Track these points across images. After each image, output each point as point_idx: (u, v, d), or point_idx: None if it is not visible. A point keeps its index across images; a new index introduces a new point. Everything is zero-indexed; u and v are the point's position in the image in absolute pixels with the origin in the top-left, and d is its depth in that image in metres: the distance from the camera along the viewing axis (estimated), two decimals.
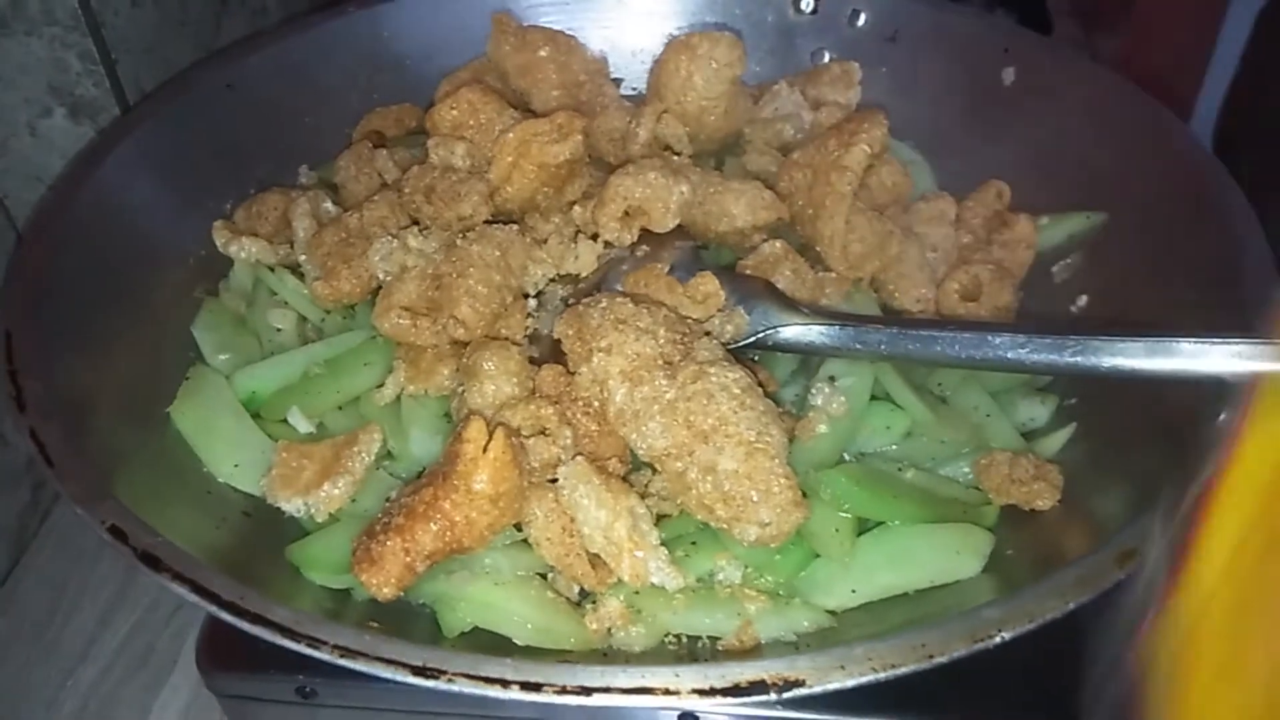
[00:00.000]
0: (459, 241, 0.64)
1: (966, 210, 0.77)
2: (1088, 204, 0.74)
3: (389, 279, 0.65)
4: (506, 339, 0.62)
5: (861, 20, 0.87)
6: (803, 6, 0.88)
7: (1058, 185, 0.76)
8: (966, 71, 0.82)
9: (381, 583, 0.50)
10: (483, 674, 0.40)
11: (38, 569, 0.87)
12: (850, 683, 0.40)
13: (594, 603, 0.55)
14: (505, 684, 0.40)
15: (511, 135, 0.67)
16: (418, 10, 0.87)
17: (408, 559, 0.50)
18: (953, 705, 0.57)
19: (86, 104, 0.81)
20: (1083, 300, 0.72)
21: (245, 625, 0.43)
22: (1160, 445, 0.54)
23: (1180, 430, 0.52)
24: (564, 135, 0.67)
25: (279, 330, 0.69)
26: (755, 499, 0.53)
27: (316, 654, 0.42)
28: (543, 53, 0.83)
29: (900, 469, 0.61)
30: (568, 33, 0.86)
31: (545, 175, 0.68)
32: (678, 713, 0.57)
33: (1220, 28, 1.07)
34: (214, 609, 0.44)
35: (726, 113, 0.78)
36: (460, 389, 0.60)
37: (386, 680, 0.59)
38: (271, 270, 0.72)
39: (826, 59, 0.88)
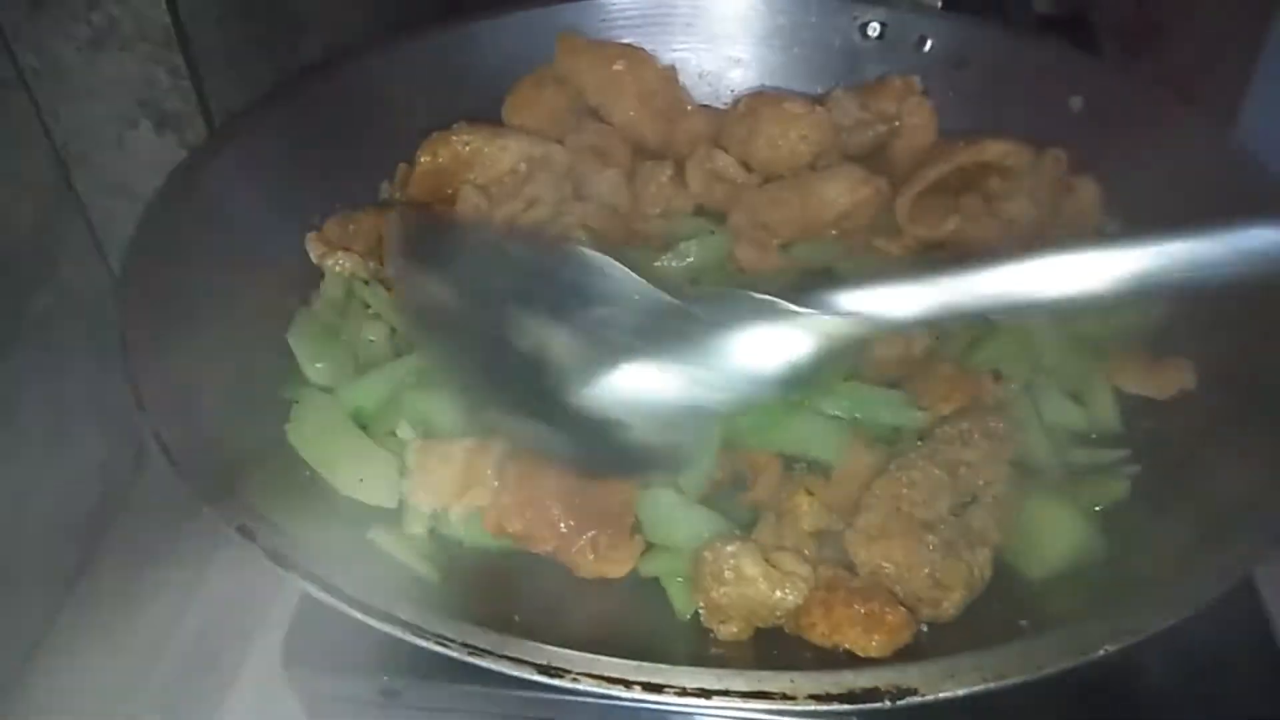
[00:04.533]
0: None
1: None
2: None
3: None
4: None
5: (928, 46, 0.89)
6: (869, 32, 0.90)
7: (1123, 207, 0.79)
8: (1033, 99, 0.83)
9: None
10: (606, 674, 0.42)
11: (106, 572, 0.88)
12: (961, 692, 0.42)
13: None
14: (628, 684, 0.41)
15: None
16: (490, 30, 0.90)
17: None
18: None
19: (172, 117, 0.83)
20: None
21: (373, 622, 0.45)
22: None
23: None
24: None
25: (372, 341, 0.71)
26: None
27: (446, 651, 0.43)
28: (618, 66, 0.87)
29: None
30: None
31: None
32: None
33: (1260, 57, 1.08)
34: (342, 605, 0.45)
35: None
36: None
37: (467, 682, 0.62)
38: (365, 283, 0.74)
39: None
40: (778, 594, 0.55)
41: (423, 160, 0.80)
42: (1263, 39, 0.92)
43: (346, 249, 0.75)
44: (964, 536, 0.59)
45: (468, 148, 0.79)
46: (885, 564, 0.57)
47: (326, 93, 0.83)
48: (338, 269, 0.74)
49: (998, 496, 0.62)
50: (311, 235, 0.76)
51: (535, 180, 0.77)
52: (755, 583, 0.54)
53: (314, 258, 0.75)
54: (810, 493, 0.60)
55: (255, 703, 0.80)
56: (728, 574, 0.55)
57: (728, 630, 0.56)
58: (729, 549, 0.56)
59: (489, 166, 0.79)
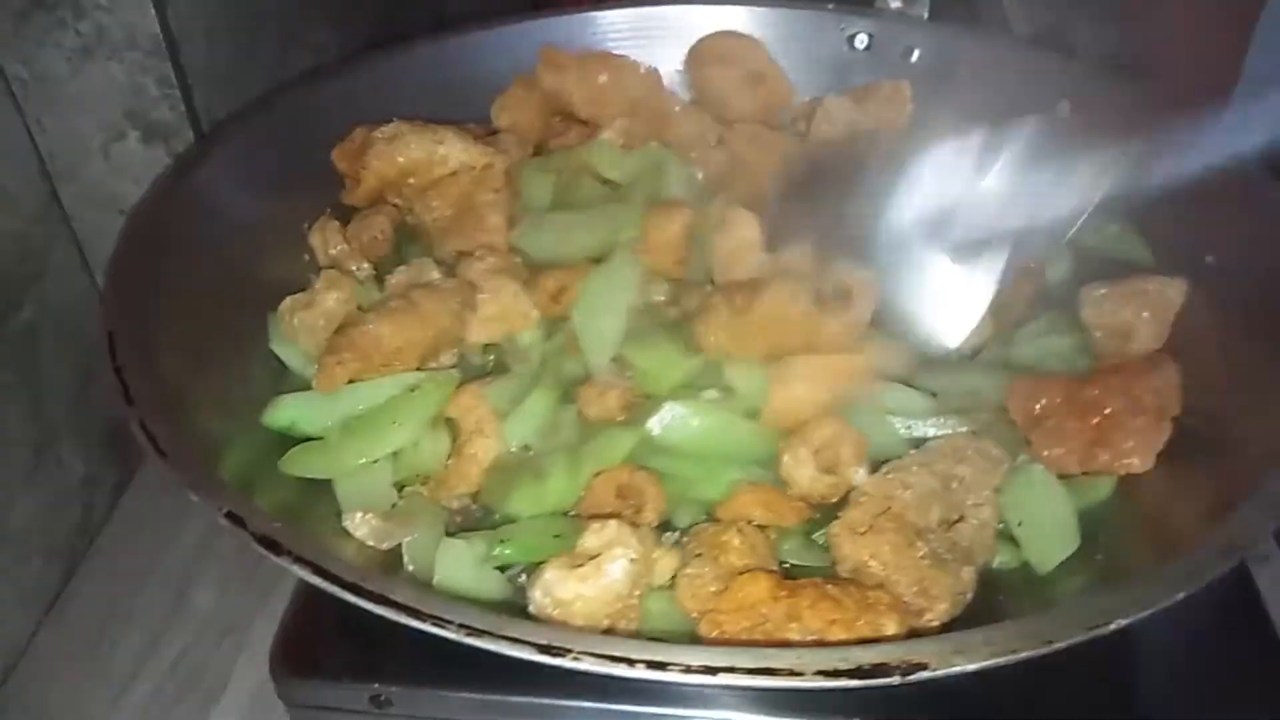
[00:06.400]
0: None
1: None
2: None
3: None
4: None
5: (915, 56, 0.89)
6: (856, 44, 0.91)
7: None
8: (1022, 105, 0.84)
9: None
10: (608, 652, 0.41)
11: (87, 590, 0.87)
12: (971, 667, 0.41)
13: None
14: (631, 663, 0.40)
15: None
16: (480, 43, 0.91)
17: None
18: None
19: (160, 128, 0.83)
20: None
21: (368, 605, 0.43)
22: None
23: None
24: None
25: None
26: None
27: (442, 632, 0.42)
28: (603, 78, 0.87)
29: None
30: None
31: None
32: None
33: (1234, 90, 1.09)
34: (336, 590, 0.44)
35: None
36: None
37: (461, 688, 0.60)
38: (361, 284, 0.74)
39: None
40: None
41: (364, 175, 0.79)
42: (1237, 70, 0.94)
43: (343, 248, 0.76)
44: (951, 551, 0.58)
45: (402, 159, 0.78)
46: (872, 561, 0.56)
47: (315, 102, 0.83)
48: (347, 267, 0.75)
49: (984, 521, 0.61)
50: (321, 225, 0.77)
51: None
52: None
53: (321, 256, 0.76)
54: (741, 532, 0.58)
55: None
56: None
57: None
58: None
59: (427, 173, 0.79)
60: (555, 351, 0.70)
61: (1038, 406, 0.65)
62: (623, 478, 0.60)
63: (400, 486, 0.64)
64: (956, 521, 0.60)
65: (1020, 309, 0.75)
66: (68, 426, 0.86)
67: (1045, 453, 0.64)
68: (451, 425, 0.66)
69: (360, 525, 0.59)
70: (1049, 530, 0.61)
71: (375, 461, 0.64)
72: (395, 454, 0.64)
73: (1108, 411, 0.64)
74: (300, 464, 0.64)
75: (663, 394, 0.65)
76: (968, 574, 0.57)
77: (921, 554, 0.55)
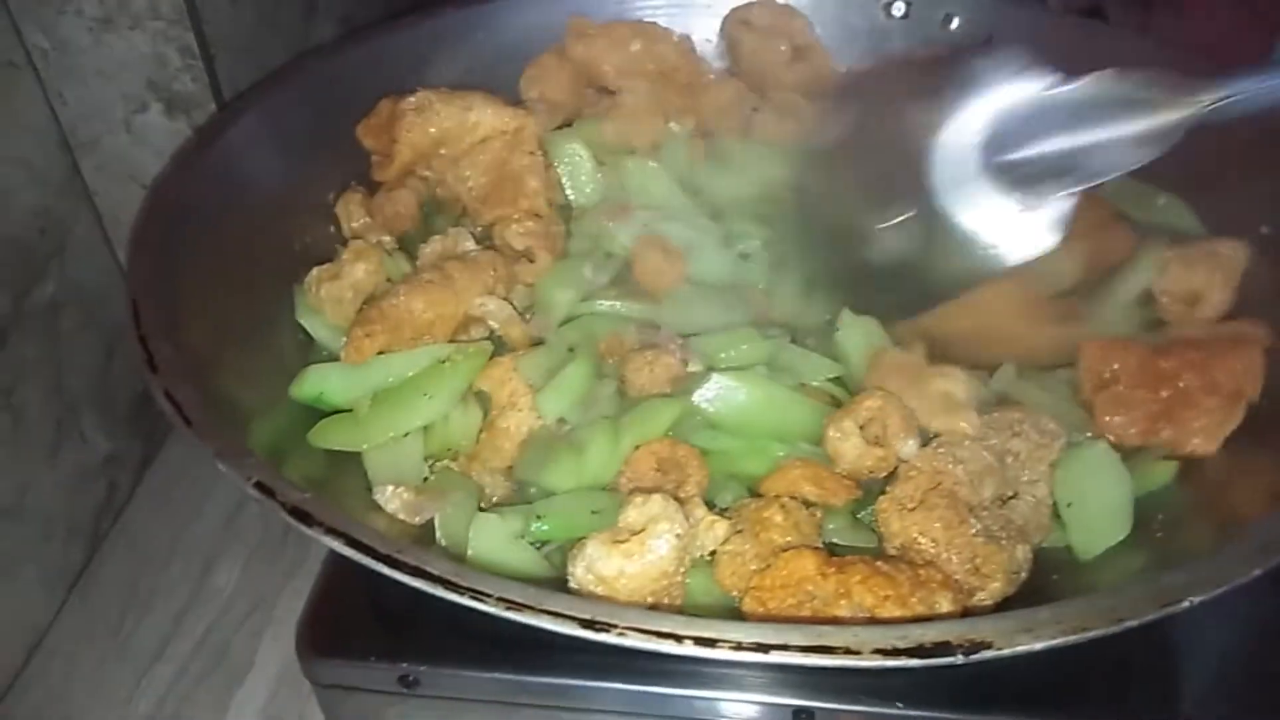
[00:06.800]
0: None
1: None
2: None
3: None
4: None
5: (954, 24, 0.87)
6: (893, 11, 0.88)
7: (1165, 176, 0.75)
8: (1060, 75, 0.81)
9: None
10: (655, 628, 0.39)
11: (110, 568, 0.86)
12: (1038, 646, 0.39)
13: None
14: (679, 639, 0.38)
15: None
16: (507, 10, 0.88)
17: None
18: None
19: (183, 99, 0.82)
20: None
21: (404, 578, 0.42)
22: None
23: None
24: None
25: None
26: None
27: (481, 606, 0.40)
28: (635, 47, 0.84)
29: None
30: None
31: None
32: (793, 709, 0.55)
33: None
34: (370, 562, 0.42)
35: None
36: None
37: (490, 669, 0.58)
38: (389, 254, 0.73)
39: None
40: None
41: (397, 149, 0.77)
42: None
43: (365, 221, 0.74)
44: (1005, 529, 0.56)
45: (434, 129, 0.76)
46: (921, 538, 0.54)
47: (338, 72, 0.81)
48: (372, 239, 0.73)
49: (1039, 499, 0.59)
50: (346, 197, 0.76)
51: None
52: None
53: (347, 226, 0.74)
54: (785, 509, 0.56)
55: (264, 701, 0.77)
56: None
57: None
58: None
59: (458, 142, 0.77)
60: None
61: (1108, 371, 0.62)
62: (663, 451, 0.58)
63: (432, 461, 0.63)
64: (1011, 498, 0.58)
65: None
66: (90, 403, 0.85)
67: (1106, 418, 0.61)
68: (483, 398, 0.64)
69: (391, 499, 0.57)
70: (1098, 515, 0.58)
71: (405, 435, 0.62)
72: (426, 427, 0.63)
73: (1181, 385, 0.61)
74: (329, 436, 0.62)
75: (718, 368, 0.63)
76: (1022, 552, 0.54)
77: (974, 531, 0.53)
